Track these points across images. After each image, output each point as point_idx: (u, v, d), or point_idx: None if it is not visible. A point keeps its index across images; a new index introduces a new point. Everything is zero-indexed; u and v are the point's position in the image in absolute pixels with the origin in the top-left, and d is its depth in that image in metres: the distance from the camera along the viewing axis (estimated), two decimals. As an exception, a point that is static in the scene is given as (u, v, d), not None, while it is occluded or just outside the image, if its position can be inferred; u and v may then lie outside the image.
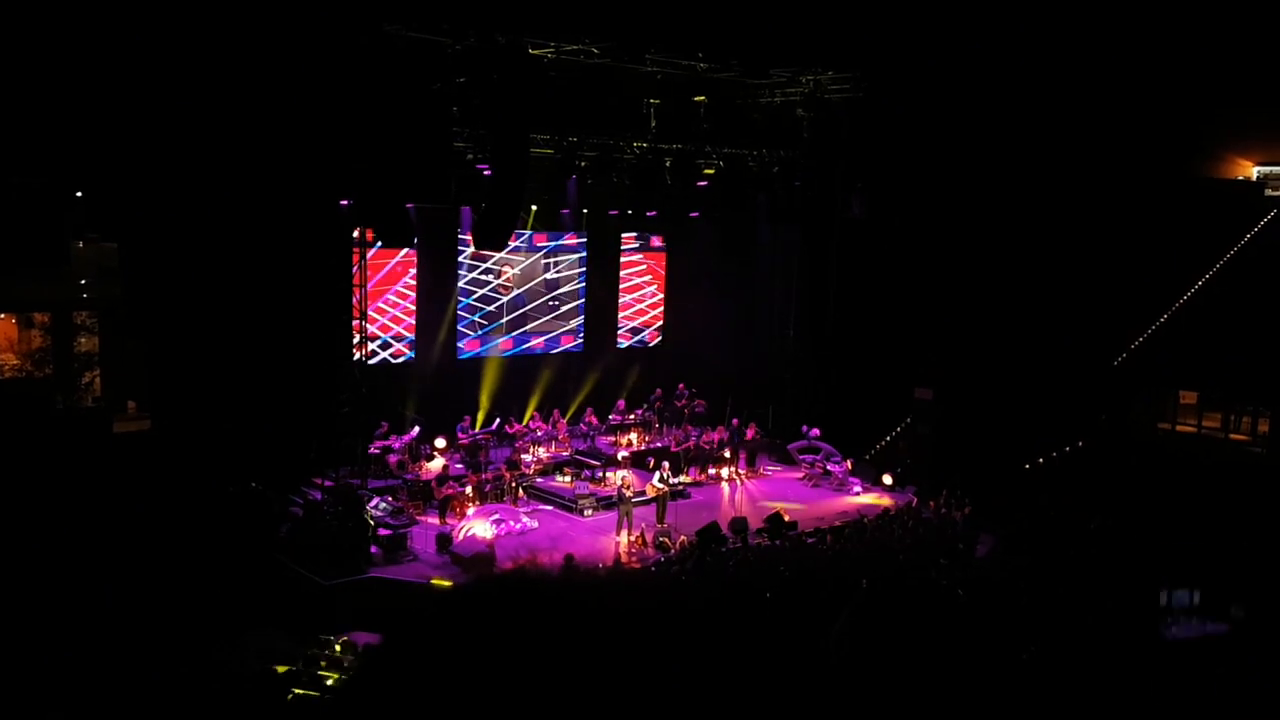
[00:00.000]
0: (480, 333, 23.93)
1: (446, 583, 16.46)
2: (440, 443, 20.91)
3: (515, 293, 24.32)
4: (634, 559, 17.62)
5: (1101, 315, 23.04)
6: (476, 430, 22.02)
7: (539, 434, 22.35)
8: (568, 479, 21.03)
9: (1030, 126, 22.64)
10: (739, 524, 19.05)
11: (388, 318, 22.16)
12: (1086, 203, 22.85)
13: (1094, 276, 22.74)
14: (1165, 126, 22.99)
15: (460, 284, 23.42)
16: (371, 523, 17.40)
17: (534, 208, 22.50)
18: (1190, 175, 24.59)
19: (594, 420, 23.60)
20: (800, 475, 23.32)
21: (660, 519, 19.18)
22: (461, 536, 17.66)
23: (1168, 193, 23.07)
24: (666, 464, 20.30)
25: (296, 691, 12.24)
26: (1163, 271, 23.41)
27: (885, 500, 21.60)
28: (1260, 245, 23.95)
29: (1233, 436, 22.98)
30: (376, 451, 20.17)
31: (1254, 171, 25.96)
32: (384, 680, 1.57)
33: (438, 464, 20.15)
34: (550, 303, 25.02)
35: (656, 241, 26.69)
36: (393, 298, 22.18)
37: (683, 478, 21.52)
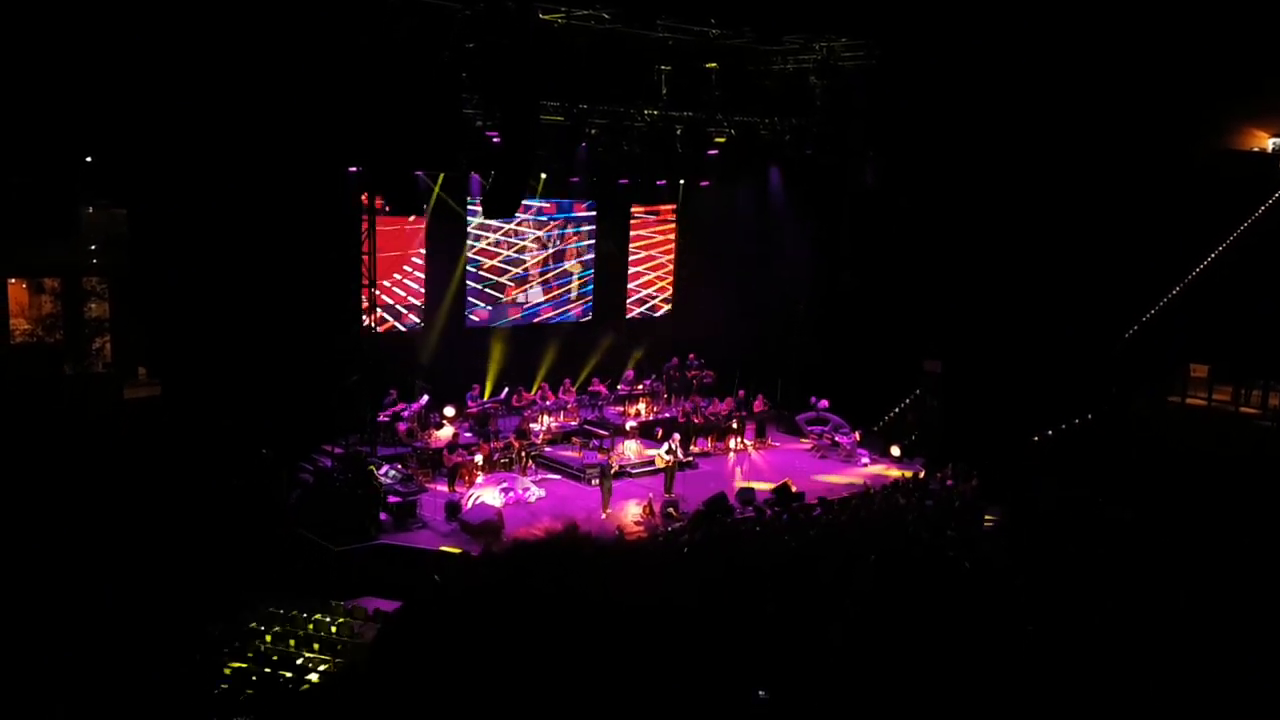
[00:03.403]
0: (494, 308, 23.91)
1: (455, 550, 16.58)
2: (449, 411, 20.96)
3: (535, 260, 24.29)
4: (640, 529, 17.68)
5: (1114, 287, 22.89)
6: (486, 399, 22.08)
7: (548, 403, 22.40)
8: (576, 449, 21.11)
9: (1044, 97, 22.40)
10: (746, 494, 19.11)
11: (397, 285, 22.16)
12: (1100, 173, 22.64)
13: (1107, 248, 22.58)
14: (1181, 98, 22.72)
15: (469, 253, 23.37)
16: (381, 490, 17.51)
17: (544, 175, 22.40)
18: (1205, 147, 24.33)
19: (602, 390, 23.63)
20: (808, 446, 23.35)
21: (668, 489, 19.25)
22: (470, 505, 17.74)
23: (1182, 164, 22.84)
24: (677, 435, 20.34)
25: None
26: (1176, 243, 23.24)
27: (893, 472, 21.63)
28: (1274, 217, 23.74)
29: (1243, 410, 22.89)
30: (385, 419, 20.24)
31: (1269, 143, 25.70)
32: (404, 647, 1.58)
33: (447, 432, 20.22)
34: (561, 272, 24.98)
35: (666, 210, 26.58)
36: (402, 265, 22.16)
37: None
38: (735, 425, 23.02)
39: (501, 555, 1.71)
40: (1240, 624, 11.98)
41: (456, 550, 16.46)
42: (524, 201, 21.14)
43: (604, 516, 18.10)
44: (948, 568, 14.65)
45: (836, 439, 23.00)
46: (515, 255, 24.13)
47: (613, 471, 19.07)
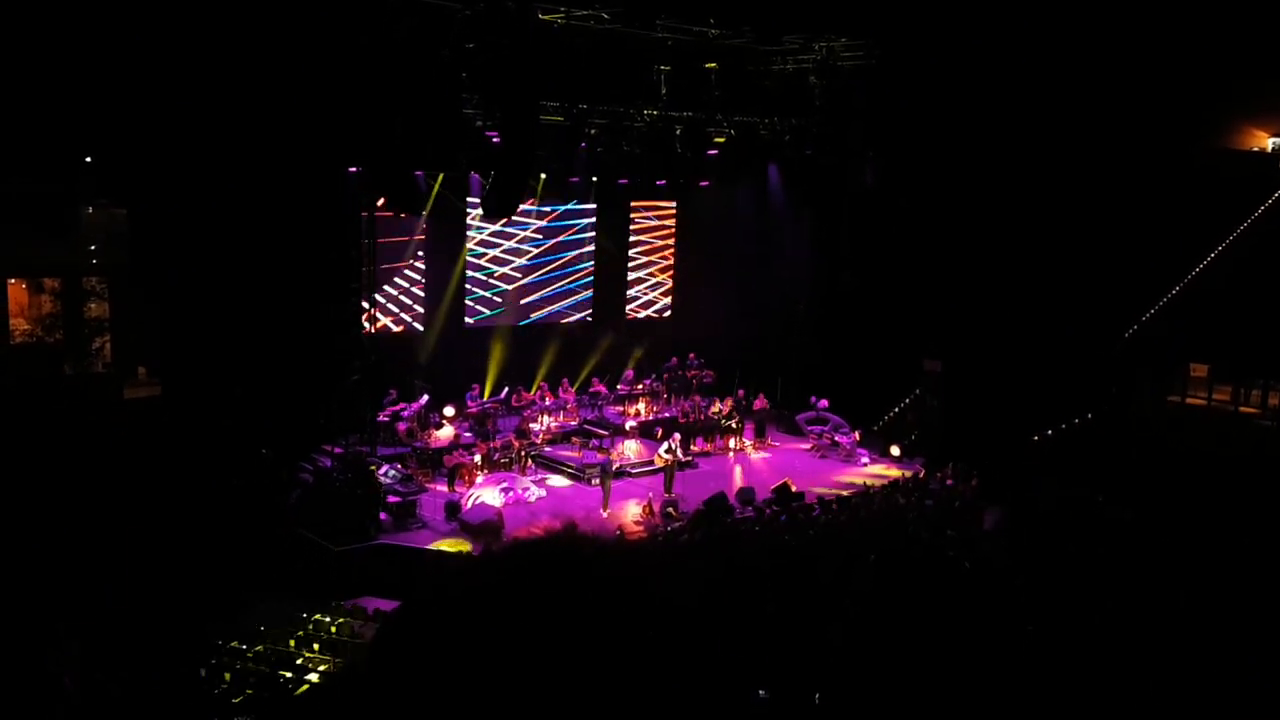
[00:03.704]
0: (494, 310, 23.91)
1: (462, 546, 16.57)
2: (449, 411, 20.97)
3: (534, 260, 24.30)
4: (640, 528, 17.69)
5: (1113, 287, 22.91)
6: (485, 399, 22.08)
7: (547, 403, 22.40)
8: (576, 448, 21.11)
9: (1043, 96, 22.41)
10: (746, 494, 19.11)
11: (396, 286, 22.14)
12: (1100, 173, 22.64)
13: (1107, 248, 22.59)
14: (1180, 97, 22.72)
15: (469, 253, 23.37)
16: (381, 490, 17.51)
17: (543, 176, 22.40)
18: (1205, 146, 24.33)
19: (602, 389, 23.63)
20: (808, 446, 23.34)
21: (668, 489, 19.24)
22: (470, 505, 17.74)
23: (1182, 164, 22.85)
24: (677, 435, 20.32)
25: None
26: (1175, 242, 23.24)
27: (893, 471, 21.63)
28: (1273, 217, 23.74)
29: (1242, 409, 22.90)
30: (385, 419, 20.24)
31: (1269, 143, 25.69)
32: (401, 648, 1.58)
33: (447, 432, 20.22)
34: (561, 272, 24.98)
35: (666, 210, 26.57)
36: (402, 265, 22.15)
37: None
38: (735, 425, 23.01)
39: (500, 555, 1.71)
40: (1240, 624, 11.98)
41: (454, 548, 16.46)
42: (523, 202, 21.15)
43: (604, 515, 18.11)
44: (947, 568, 14.65)
45: (836, 439, 23.00)
46: (515, 255, 24.12)
47: (614, 470, 19.08)
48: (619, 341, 25.33)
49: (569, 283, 25.22)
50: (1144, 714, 9.83)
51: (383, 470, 18.28)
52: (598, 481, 19.58)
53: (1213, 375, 23.23)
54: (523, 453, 20.34)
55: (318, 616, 14.02)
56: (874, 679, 9.60)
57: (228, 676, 12.12)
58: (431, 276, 22.64)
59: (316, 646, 13.09)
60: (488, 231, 23.55)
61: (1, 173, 17.72)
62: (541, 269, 24.64)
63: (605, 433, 21.34)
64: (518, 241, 24.07)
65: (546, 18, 18.57)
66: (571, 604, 1.54)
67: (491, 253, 23.80)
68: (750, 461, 22.29)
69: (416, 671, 1.52)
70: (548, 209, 24.34)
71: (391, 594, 14.49)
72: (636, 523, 17.96)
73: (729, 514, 17.95)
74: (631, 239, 26.22)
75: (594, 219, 25.28)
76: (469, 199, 22.45)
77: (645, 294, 26.79)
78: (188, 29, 17.34)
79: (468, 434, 20.56)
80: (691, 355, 24.97)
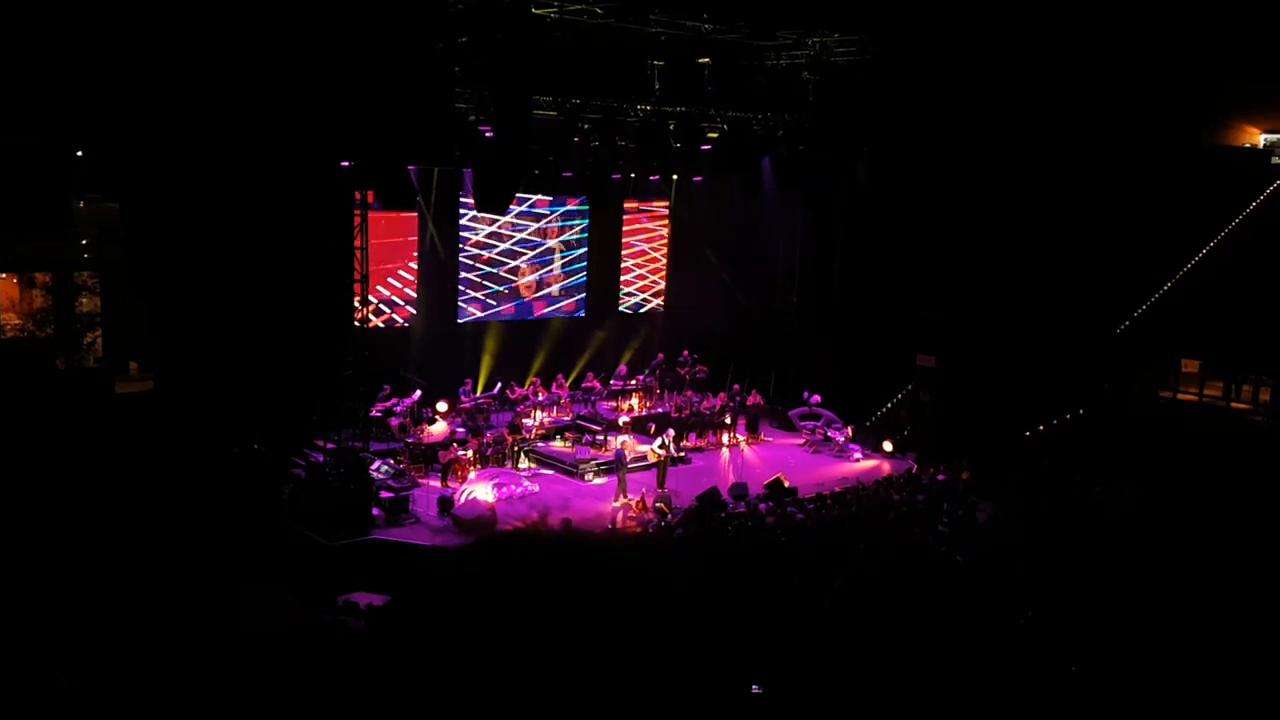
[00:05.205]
0: (487, 305, 23.88)
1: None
2: (442, 406, 20.96)
3: (528, 255, 24.27)
4: (633, 523, 17.70)
5: (1105, 282, 22.97)
6: (478, 394, 22.08)
7: (540, 398, 22.40)
8: (568, 443, 21.14)
9: (1037, 92, 22.43)
10: (739, 489, 19.14)
11: (390, 280, 22.10)
12: (1092, 168, 22.68)
13: (1099, 243, 22.65)
14: (1173, 92, 22.76)
15: (462, 248, 23.34)
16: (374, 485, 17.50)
17: (536, 170, 22.35)
18: (1197, 142, 24.39)
19: (596, 385, 23.64)
20: (801, 442, 23.37)
21: (660, 484, 19.29)
22: (463, 500, 17.74)
23: (1174, 159, 22.89)
24: (671, 430, 20.37)
25: None
26: (1167, 238, 23.30)
27: (886, 467, 21.68)
28: (1265, 213, 23.81)
29: (1234, 405, 22.97)
30: (378, 414, 20.22)
31: (1261, 139, 25.74)
32: (395, 636, 1.58)
33: (440, 428, 20.20)
34: (554, 267, 24.96)
35: (660, 205, 26.57)
36: (395, 260, 22.11)
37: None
38: (728, 420, 23.04)
39: (494, 547, 1.71)
40: (1237, 622, 12.02)
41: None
42: (517, 196, 21.12)
43: (623, 503, 18.31)
44: (940, 563, 14.68)
45: (829, 434, 23.03)
46: (508, 250, 24.10)
47: (628, 461, 19.12)
48: (612, 336, 25.35)
49: (562, 277, 25.20)
50: (1140, 708, 9.87)
51: (375, 465, 18.27)
52: (591, 477, 19.62)
53: (1204, 371, 23.30)
54: (515, 448, 20.35)
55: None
56: (866, 673, 9.61)
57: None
58: (425, 271, 22.60)
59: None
60: (480, 225, 23.51)
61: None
62: (535, 264, 24.60)
63: (599, 428, 21.35)
64: (511, 235, 24.03)
65: (540, 12, 18.54)
66: (566, 596, 1.54)
67: (484, 245, 23.75)
68: (743, 457, 22.31)
69: (414, 661, 1.52)
70: (541, 202, 24.31)
71: (385, 589, 14.48)
72: (629, 518, 17.98)
73: (722, 509, 17.97)
74: (625, 234, 26.19)
75: (587, 213, 25.27)
76: (462, 194, 22.41)
77: (638, 289, 26.77)
78: (181, 22, 17.29)
79: (461, 429, 20.55)
80: (685, 352, 24.99)
